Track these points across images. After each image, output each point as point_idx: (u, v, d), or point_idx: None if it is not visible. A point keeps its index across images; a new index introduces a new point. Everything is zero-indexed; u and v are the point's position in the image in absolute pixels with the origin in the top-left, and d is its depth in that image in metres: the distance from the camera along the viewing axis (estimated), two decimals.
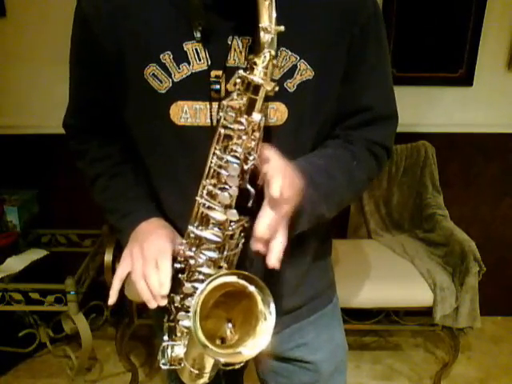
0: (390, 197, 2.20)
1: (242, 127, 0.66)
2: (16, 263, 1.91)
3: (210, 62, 0.71)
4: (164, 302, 0.72)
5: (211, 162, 0.69)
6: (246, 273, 0.69)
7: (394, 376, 2.11)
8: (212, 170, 0.70)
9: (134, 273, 0.74)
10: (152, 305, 0.72)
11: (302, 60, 0.72)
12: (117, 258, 1.93)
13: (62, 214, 2.25)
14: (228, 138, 0.67)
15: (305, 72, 0.73)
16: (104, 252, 1.90)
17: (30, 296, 1.76)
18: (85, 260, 1.91)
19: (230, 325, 0.74)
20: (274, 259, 0.66)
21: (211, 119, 0.72)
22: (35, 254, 1.99)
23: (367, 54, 0.76)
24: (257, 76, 0.63)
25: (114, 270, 1.92)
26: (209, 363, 0.79)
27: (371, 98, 0.80)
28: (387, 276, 1.90)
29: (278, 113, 0.73)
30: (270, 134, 0.72)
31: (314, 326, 0.94)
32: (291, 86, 0.73)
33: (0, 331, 2.04)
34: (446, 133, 2.19)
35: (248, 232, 0.71)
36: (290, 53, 0.71)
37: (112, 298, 0.77)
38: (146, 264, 0.72)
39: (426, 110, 2.16)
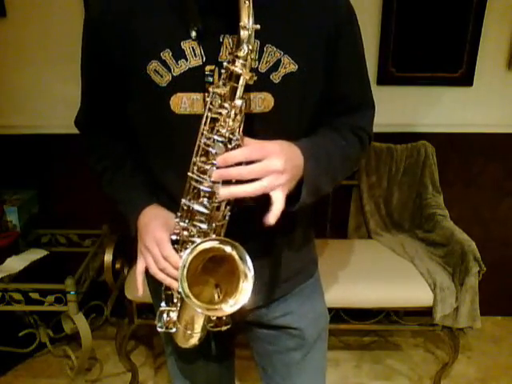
0: (389, 197, 2.20)
1: (226, 111, 0.75)
2: (16, 263, 1.92)
3: (204, 58, 0.79)
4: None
5: (200, 142, 0.78)
6: (222, 237, 0.79)
7: (394, 376, 2.11)
8: (201, 149, 0.78)
9: (150, 269, 0.85)
10: (175, 285, 0.82)
11: (286, 55, 0.81)
12: (117, 258, 1.94)
13: (62, 214, 2.25)
14: (214, 120, 0.76)
15: (288, 65, 0.81)
16: (104, 252, 1.90)
17: (30, 296, 1.76)
18: (85, 260, 1.91)
19: (217, 288, 0.84)
20: (271, 217, 0.73)
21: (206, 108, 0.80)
22: (35, 254, 2.00)
23: (342, 48, 0.86)
24: (238, 67, 0.73)
25: (113, 270, 1.93)
26: (198, 323, 0.89)
27: (348, 87, 0.91)
28: (387, 276, 1.90)
29: (266, 102, 0.82)
30: (258, 121, 0.81)
31: (298, 297, 1.02)
32: (276, 77, 0.81)
33: (0, 331, 2.04)
34: (445, 133, 2.19)
35: (234, 205, 0.80)
36: (274, 49, 0.80)
37: (140, 290, 0.91)
38: (157, 260, 0.84)
39: (426, 110, 2.16)
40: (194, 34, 0.78)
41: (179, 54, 0.79)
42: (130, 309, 1.89)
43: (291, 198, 0.78)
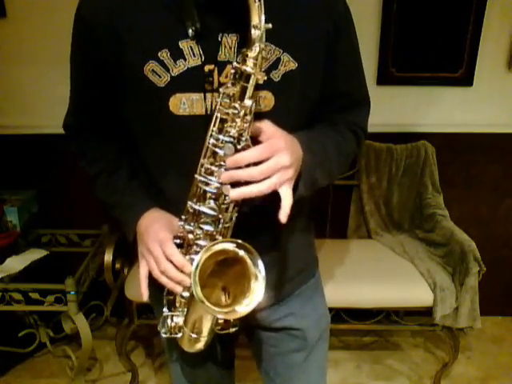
0: (389, 197, 2.20)
1: (236, 111, 0.74)
2: (16, 263, 1.92)
3: (203, 58, 0.78)
4: (189, 281, 0.78)
5: (209, 143, 0.77)
6: (238, 240, 0.77)
7: (394, 376, 2.11)
8: (209, 150, 0.77)
9: (153, 271, 0.83)
10: (178, 290, 0.81)
11: (285, 53, 0.81)
12: (117, 258, 1.94)
13: (62, 214, 2.25)
14: (223, 121, 0.76)
15: (288, 63, 0.81)
16: (104, 252, 1.90)
17: (30, 296, 1.76)
18: (85, 260, 1.91)
19: (224, 291, 0.83)
20: (282, 215, 0.73)
21: (206, 108, 0.80)
22: (35, 254, 2.00)
23: (341, 46, 0.86)
24: (248, 67, 0.72)
25: (113, 270, 1.92)
26: (206, 326, 0.87)
27: (347, 84, 0.91)
28: (387, 276, 1.90)
29: (266, 100, 0.82)
30: (260, 120, 0.79)
31: (299, 297, 1.02)
32: (276, 76, 0.81)
33: (0, 331, 2.04)
34: (445, 133, 2.19)
35: (241, 207, 0.79)
36: (274, 47, 0.80)
37: (145, 294, 0.86)
38: (159, 262, 0.81)
39: (426, 110, 2.16)
40: (191, 33, 0.76)
41: (177, 54, 0.78)
42: (130, 309, 1.89)
43: None
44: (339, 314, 1.87)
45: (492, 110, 2.16)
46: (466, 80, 2.10)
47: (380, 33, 2.03)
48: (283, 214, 0.73)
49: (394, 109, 2.15)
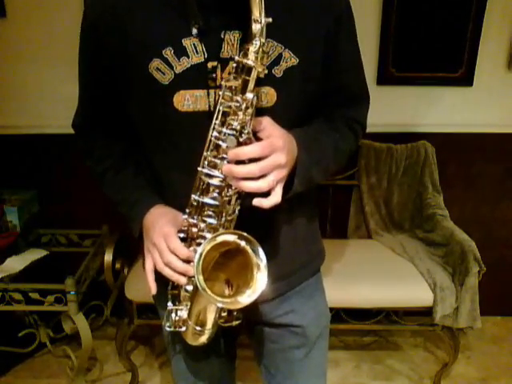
0: (389, 197, 2.20)
1: (238, 104, 0.75)
2: (16, 263, 1.92)
3: (206, 55, 0.80)
4: (192, 271, 0.80)
5: (211, 136, 0.78)
6: (238, 231, 0.78)
7: (394, 376, 2.11)
8: (212, 143, 0.78)
9: (157, 264, 0.84)
10: (182, 281, 0.82)
11: (287, 49, 0.82)
12: (117, 258, 1.94)
13: (62, 214, 2.25)
14: (226, 114, 0.77)
15: (289, 59, 0.83)
16: (104, 252, 1.90)
17: (30, 296, 1.76)
18: (85, 260, 1.91)
19: (227, 284, 0.84)
20: (258, 201, 0.75)
21: (209, 104, 0.81)
22: (35, 254, 2.00)
23: (341, 41, 0.88)
24: (250, 60, 0.73)
25: (114, 270, 1.93)
26: (210, 319, 0.88)
27: (347, 79, 0.93)
28: (387, 276, 1.90)
29: (268, 96, 0.83)
30: (262, 115, 0.80)
31: (300, 295, 1.03)
32: (278, 72, 0.83)
33: (0, 331, 2.04)
34: (445, 133, 2.19)
35: (244, 199, 0.80)
36: (275, 43, 0.81)
37: (153, 289, 0.87)
38: (163, 254, 0.83)
39: (426, 110, 2.16)
40: (195, 31, 0.78)
41: (181, 52, 0.79)
42: (130, 309, 1.89)
43: (284, 187, 0.79)
44: (339, 314, 1.87)
45: (492, 110, 2.16)
46: (466, 80, 2.10)
47: (380, 33, 2.03)
48: (260, 201, 0.74)
49: (394, 109, 2.15)
